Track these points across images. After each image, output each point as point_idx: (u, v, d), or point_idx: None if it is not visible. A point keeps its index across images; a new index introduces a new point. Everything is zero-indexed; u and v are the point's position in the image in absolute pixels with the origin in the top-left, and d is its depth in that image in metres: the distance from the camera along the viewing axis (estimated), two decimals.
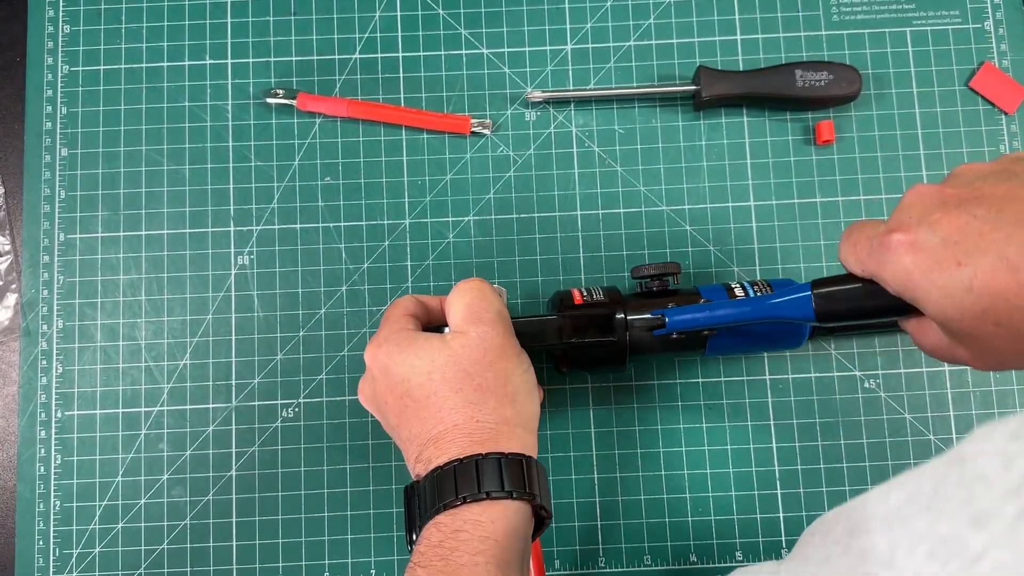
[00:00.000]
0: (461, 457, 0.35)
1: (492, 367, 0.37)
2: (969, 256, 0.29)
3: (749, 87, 0.50)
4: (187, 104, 0.52)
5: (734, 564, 0.48)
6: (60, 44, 0.53)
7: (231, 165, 0.52)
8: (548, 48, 0.53)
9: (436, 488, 0.35)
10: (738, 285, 0.44)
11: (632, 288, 0.47)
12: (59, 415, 0.50)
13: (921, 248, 0.30)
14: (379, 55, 0.53)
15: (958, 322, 0.30)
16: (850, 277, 0.35)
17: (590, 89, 0.52)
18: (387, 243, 0.51)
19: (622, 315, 0.43)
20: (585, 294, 0.44)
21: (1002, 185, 0.30)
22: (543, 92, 0.51)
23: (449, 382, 0.36)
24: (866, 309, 0.35)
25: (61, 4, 0.53)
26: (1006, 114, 0.52)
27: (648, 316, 0.43)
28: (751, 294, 0.43)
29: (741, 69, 0.52)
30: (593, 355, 0.44)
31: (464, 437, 0.36)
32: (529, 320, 0.42)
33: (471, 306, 0.38)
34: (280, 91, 0.52)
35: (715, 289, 0.44)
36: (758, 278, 0.50)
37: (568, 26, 0.53)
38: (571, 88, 0.52)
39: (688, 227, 0.51)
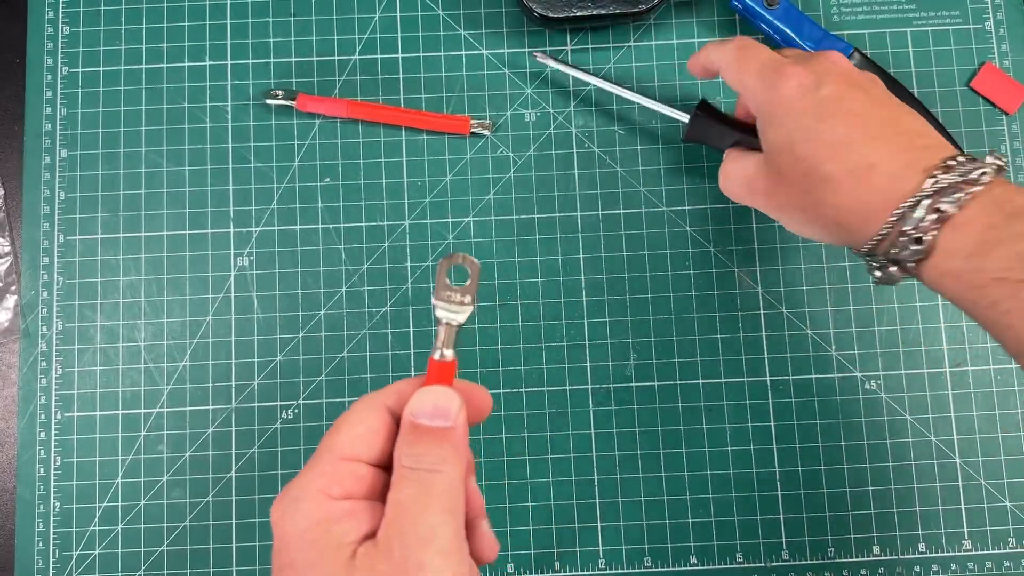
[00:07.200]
0: None
1: None
2: (837, 117, 0.35)
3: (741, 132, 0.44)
4: (187, 105, 0.52)
5: (734, 565, 0.48)
6: (60, 45, 0.53)
7: (231, 166, 0.52)
8: (547, 49, 0.53)
9: None
10: None
11: None
12: (59, 417, 0.50)
13: (808, 87, 0.36)
14: (379, 56, 0.53)
15: (788, 157, 0.36)
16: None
17: (592, 73, 0.50)
18: (387, 244, 0.51)
19: None
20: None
21: (886, 103, 0.37)
22: (551, 58, 0.51)
23: None
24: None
25: (61, 5, 0.53)
26: (1007, 114, 0.52)
27: None
28: None
29: None
30: None
31: None
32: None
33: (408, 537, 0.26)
34: (280, 92, 0.52)
35: None
36: (758, 276, 0.50)
37: (567, 27, 0.53)
38: (577, 65, 0.52)
39: (688, 228, 0.51)
